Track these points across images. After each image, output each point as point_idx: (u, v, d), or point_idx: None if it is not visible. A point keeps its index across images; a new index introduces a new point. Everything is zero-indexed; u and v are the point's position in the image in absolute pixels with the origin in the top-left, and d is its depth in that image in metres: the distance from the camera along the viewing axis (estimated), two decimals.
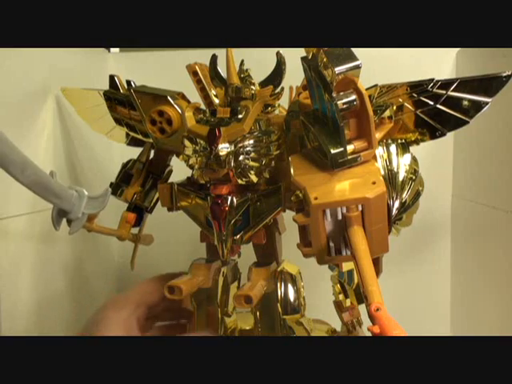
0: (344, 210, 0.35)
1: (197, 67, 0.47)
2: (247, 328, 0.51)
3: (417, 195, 0.38)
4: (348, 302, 0.50)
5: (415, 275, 0.69)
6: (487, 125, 0.54)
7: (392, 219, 0.37)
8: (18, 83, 0.50)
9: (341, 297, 0.50)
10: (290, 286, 0.45)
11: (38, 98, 0.54)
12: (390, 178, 0.37)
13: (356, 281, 0.45)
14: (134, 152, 0.51)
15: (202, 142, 0.40)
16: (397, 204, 0.37)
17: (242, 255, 0.46)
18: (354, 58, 0.34)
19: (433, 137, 0.41)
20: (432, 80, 0.40)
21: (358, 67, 0.33)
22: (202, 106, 0.46)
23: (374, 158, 0.37)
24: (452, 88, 0.40)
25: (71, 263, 0.59)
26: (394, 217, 0.37)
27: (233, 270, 0.48)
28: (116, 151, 0.67)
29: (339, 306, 0.55)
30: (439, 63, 0.65)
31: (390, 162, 0.38)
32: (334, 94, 0.34)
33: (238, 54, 0.43)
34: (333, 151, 0.35)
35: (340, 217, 0.35)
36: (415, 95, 0.40)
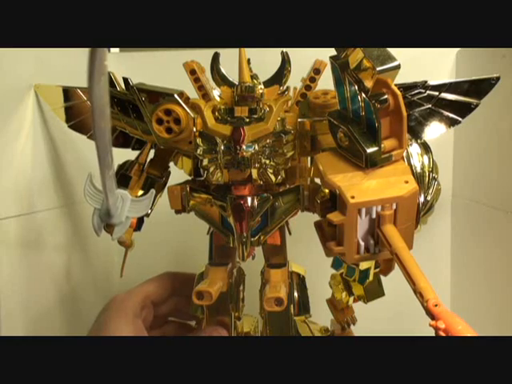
0: (379, 209, 0.35)
1: (194, 65, 0.46)
2: (249, 330, 0.51)
3: (438, 195, 0.40)
4: (351, 300, 0.51)
5: None
6: (487, 125, 0.55)
7: (420, 218, 0.38)
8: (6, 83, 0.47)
9: (344, 295, 0.50)
10: (302, 287, 0.45)
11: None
12: (417, 177, 0.38)
13: (370, 279, 0.45)
14: (125, 152, 0.49)
15: (220, 141, 0.39)
16: (423, 203, 0.38)
17: None
18: (394, 59, 0.34)
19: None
20: (425, 82, 0.41)
21: (397, 67, 0.34)
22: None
23: (402, 157, 0.38)
24: (444, 90, 0.42)
25: (61, 268, 0.56)
26: (420, 216, 0.38)
27: (238, 272, 0.47)
28: None
29: (333, 305, 0.56)
30: (439, 63, 0.65)
31: (415, 161, 0.39)
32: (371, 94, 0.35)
33: (236, 53, 0.42)
34: (368, 150, 0.35)
35: (374, 215, 0.36)
36: (409, 97, 0.42)
